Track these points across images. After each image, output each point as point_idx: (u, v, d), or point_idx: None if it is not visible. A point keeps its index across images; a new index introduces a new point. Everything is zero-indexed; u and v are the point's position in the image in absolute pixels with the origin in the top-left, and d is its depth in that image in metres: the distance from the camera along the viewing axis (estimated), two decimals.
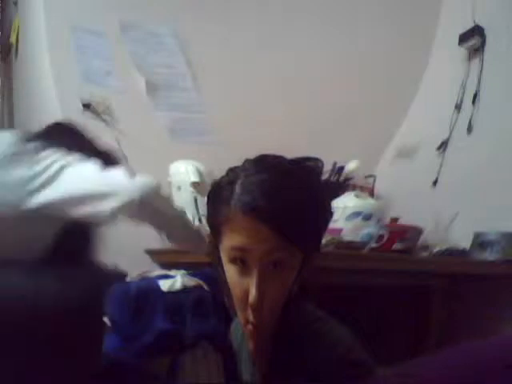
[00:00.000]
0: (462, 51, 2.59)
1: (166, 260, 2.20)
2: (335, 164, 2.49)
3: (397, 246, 2.13)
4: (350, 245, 2.07)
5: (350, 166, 2.52)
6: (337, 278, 1.84)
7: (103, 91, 2.38)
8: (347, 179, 2.50)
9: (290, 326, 1.03)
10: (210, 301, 0.84)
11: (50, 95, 2.36)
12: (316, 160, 1.13)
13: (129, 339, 0.83)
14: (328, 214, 1.07)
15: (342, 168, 2.48)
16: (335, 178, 2.48)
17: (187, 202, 2.14)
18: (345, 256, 1.94)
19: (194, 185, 2.15)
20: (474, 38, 2.50)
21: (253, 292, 0.95)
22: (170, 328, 0.77)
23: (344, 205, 2.34)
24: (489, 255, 2.18)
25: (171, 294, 0.84)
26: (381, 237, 2.13)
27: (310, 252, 1.03)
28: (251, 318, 0.98)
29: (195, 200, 2.11)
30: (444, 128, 2.59)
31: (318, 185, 1.09)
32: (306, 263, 1.04)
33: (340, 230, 2.21)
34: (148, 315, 0.81)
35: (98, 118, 2.33)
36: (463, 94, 2.56)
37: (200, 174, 2.18)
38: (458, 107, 2.56)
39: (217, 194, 1.03)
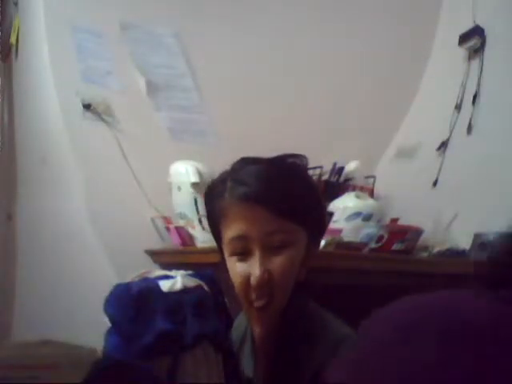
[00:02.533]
0: (462, 51, 2.59)
1: (166, 260, 2.20)
2: (335, 164, 2.49)
3: (397, 246, 2.13)
4: (350, 245, 2.07)
5: (350, 166, 2.52)
6: (337, 278, 1.84)
7: (103, 91, 2.38)
8: (347, 179, 2.50)
9: (295, 318, 1.03)
10: (210, 301, 0.84)
11: (50, 95, 2.36)
12: (299, 156, 1.15)
13: (129, 339, 0.83)
14: (318, 194, 1.10)
15: (342, 168, 2.48)
16: (335, 178, 2.47)
17: (187, 202, 2.14)
18: (345, 256, 1.94)
19: (194, 185, 2.14)
20: (474, 38, 2.50)
21: (256, 272, 0.97)
22: (170, 328, 0.77)
23: (344, 205, 2.34)
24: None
25: (171, 294, 0.84)
26: (381, 237, 2.13)
27: (311, 230, 1.04)
28: (256, 299, 0.98)
29: (195, 201, 2.11)
30: (444, 128, 2.59)
31: (301, 169, 1.12)
32: (311, 243, 1.05)
33: (340, 231, 2.21)
34: (148, 315, 0.82)
35: (99, 118, 2.33)
36: (463, 93, 2.56)
37: (200, 174, 2.18)
38: (458, 107, 2.56)
39: (211, 192, 1.06)
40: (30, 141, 2.51)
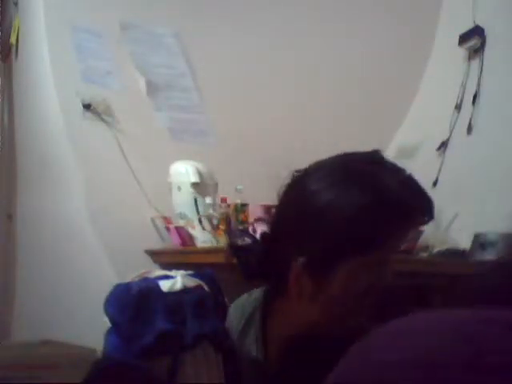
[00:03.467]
0: (462, 51, 2.59)
1: (166, 260, 2.20)
2: None
3: None
4: None
5: None
6: None
7: (103, 91, 2.38)
8: None
9: None
10: (210, 301, 0.84)
11: (50, 95, 2.36)
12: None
13: (129, 339, 0.83)
14: None
15: None
16: None
17: (187, 202, 2.14)
18: None
19: (194, 185, 2.14)
20: (474, 39, 2.50)
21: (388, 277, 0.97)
22: (170, 328, 0.77)
23: None
24: (489, 255, 2.18)
25: (171, 294, 0.84)
26: None
27: None
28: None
29: (195, 200, 2.11)
30: (444, 128, 2.58)
31: None
32: None
33: None
34: (148, 316, 0.82)
35: (99, 118, 2.33)
36: (463, 93, 2.56)
37: (200, 174, 2.18)
38: (458, 107, 2.56)
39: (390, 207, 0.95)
40: (30, 141, 2.51)
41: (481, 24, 2.50)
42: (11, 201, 2.49)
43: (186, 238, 2.15)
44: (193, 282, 0.88)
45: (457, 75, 2.58)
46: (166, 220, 2.26)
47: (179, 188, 2.17)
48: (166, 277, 0.91)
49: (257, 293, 1.12)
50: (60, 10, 2.39)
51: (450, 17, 2.77)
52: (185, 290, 0.85)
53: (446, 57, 2.73)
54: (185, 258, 2.12)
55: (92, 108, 2.33)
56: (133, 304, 0.85)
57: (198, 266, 1.80)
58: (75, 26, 2.39)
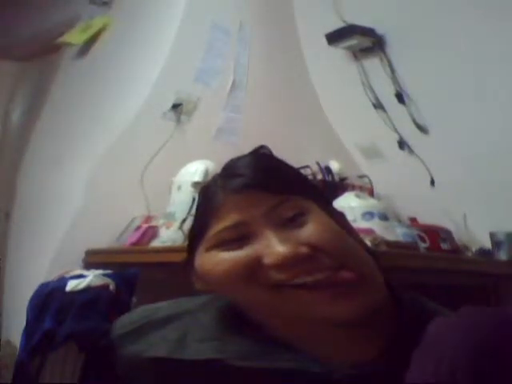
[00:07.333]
0: None
1: (102, 260, 2.09)
2: (319, 164, 2.41)
3: (444, 245, 2.13)
4: (403, 245, 2.02)
5: (334, 166, 2.44)
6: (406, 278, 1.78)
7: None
8: (342, 179, 2.43)
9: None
10: (105, 301, 0.83)
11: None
12: (265, 147, 1.09)
13: (29, 338, 0.84)
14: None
15: (328, 168, 2.41)
16: (329, 178, 2.39)
17: (186, 201, 2.07)
18: (406, 256, 1.92)
19: (195, 185, 2.09)
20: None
21: (276, 249, 0.75)
22: (50, 327, 0.78)
23: (356, 204, 2.24)
24: (502, 255, 2.15)
25: (69, 293, 0.84)
26: (422, 237, 2.10)
27: (318, 199, 0.85)
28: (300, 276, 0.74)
29: (193, 200, 2.04)
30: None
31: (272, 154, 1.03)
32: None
33: (371, 230, 2.06)
34: (44, 315, 0.82)
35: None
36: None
37: (206, 174, 2.11)
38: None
39: (203, 194, 0.91)
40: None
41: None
42: (9, 199, 2.50)
43: (145, 238, 2.07)
44: (100, 282, 0.86)
45: None
46: (146, 219, 2.19)
47: (179, 187, 2.13)
48: (79, 276, 0.90)
49: None
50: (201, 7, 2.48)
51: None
52: (84, 290, 0.83)
53: None
54: (115, 257, 2.07)
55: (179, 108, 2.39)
56: (38, 303, 0.86)
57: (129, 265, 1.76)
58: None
